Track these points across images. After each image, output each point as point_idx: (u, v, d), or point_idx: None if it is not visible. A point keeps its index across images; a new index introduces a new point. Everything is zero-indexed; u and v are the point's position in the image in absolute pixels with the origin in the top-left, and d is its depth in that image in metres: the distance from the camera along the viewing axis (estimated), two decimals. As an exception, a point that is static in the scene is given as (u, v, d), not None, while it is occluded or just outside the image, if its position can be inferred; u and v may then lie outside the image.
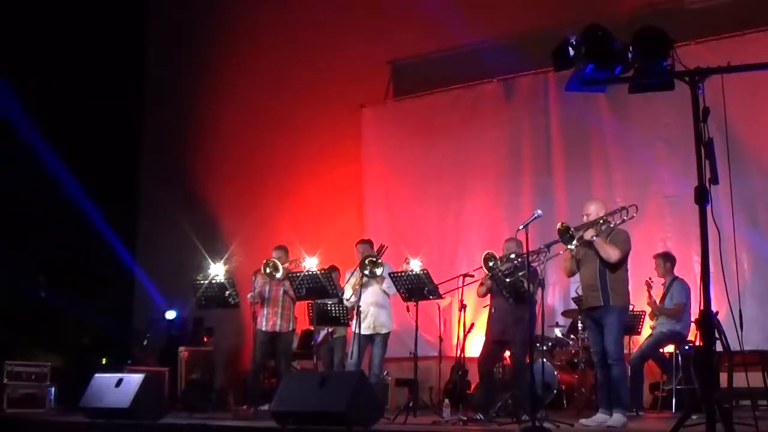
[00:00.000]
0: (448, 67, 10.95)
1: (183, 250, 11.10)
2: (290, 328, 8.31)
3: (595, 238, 6.24)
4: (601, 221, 6.35)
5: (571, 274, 6.79)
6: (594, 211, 6.45)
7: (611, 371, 6.21)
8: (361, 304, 7.53)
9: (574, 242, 6.26)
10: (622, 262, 6.29)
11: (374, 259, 7.44)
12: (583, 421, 6.29)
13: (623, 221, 6.36)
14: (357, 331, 7.51)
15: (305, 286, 7.57)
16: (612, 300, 6.21)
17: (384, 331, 7.81)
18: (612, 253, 6.19)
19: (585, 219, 6.44)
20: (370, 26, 11.41)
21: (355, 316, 7.52)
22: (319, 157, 11.56)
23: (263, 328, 8.14)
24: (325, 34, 11.67)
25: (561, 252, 6.55)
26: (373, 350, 7.83)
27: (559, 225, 6.30)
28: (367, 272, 7.43)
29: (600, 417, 6.25)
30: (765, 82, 8.18)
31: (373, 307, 7.76)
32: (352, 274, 7.74)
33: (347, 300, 7.79)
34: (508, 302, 6.98)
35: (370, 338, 7.80)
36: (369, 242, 8.05)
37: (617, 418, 6.11)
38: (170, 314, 11.30)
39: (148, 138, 13.27)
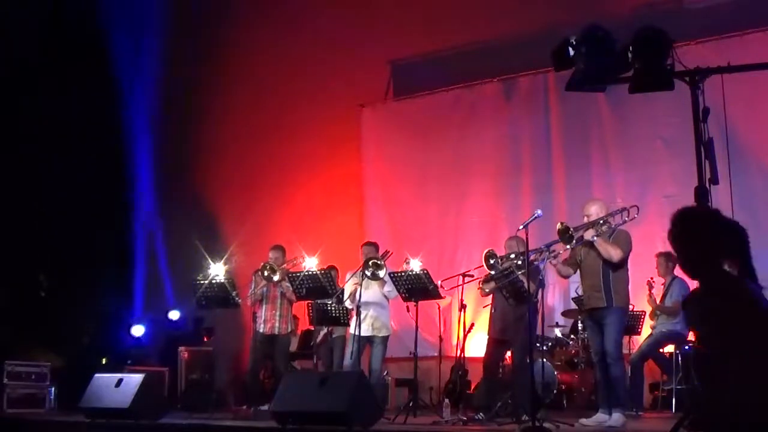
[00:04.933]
0: (448, 67, 10.95)
1: (183, 250, 11.09)
2: (289, 330, 8.29)
3: (595, 238, 6.24)
4: (602, 222, 6.35)
5: (566, 276, 6.79)
6: (595, 211, 6.44)
7: (610, 371, 6.21)
8: (360, 305, 7.52)
9: (573, 242, 6.26)
10: (624, 262, 6.29)
11: (377, 261, 7.43)
12: (582, 420, 6.29)
13: (624, 222, 6.36)
14: (356, 333, 7.50)
15: (305, 286, 7.56)
16: (615, 302, 6.22)
17: (383, 333, 7.79)
18: (614, 253, 6.19)
19: (586, 219, 6.44)
20: (370, 26, 11.41)
21: (354, 317, 7.51)
22: (319, 157, 11.55)
23: (261, 330, 8.13)
24: (326, 34, 11.67)
25: (562, 251, 6.55)
26: (373, 352, 7.81)
27: (559, 225, 6.30)
28: (369, 274, 7.41)
29: (600, 417, 6.25)
30: (765, 82, 8.18)
31: (372, 309, 7.74)
32: (353, 275, 7.72)
33: (345, 301, 7.78)
34: (508, 302, 6.97)
35: (369, 340, 7.78)
36: (375, 245, 8.04)
37: (616, 417, 6.11)
38: (174, 314, 11.30)
39: (147, 138, 13.26)
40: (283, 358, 8.29)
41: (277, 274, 7.84)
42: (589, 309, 6.41)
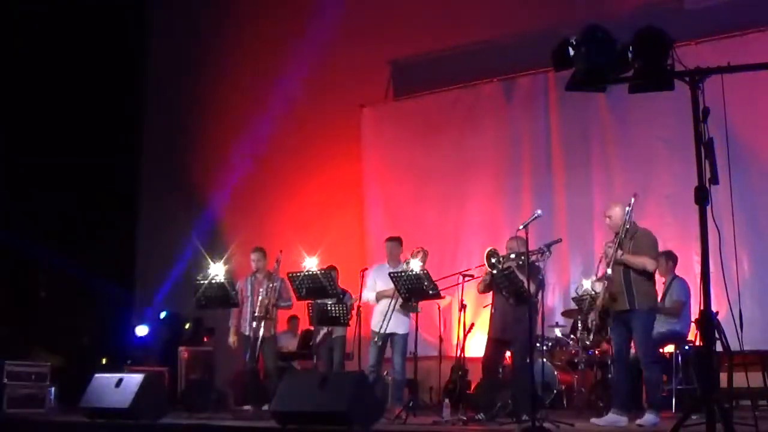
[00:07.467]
0: (448, 67, 10.95)
1: (181, 249, 11.10)
2: (271, 332, 8.26)
3: (623, 257, 6.25)
4: (624, 235, 6.34)
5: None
6: (617, 213, 6.46)
7: (644, 375, 6.24)
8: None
9: (610, 268, 6.30)
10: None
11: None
12: (594, 420, 6.29)
13: (631, 212, 6.35)
14: (379, 330, 7.53)
15: (305, 286, 7.56)
16: (638, 303, 6.22)
17: (402, 330, 7.74)
18: (647, 264, 6.22)
19: (607, 221, 6.51)
20: (370, 26, 11.42)
21: (374, 316, 7.52)
22: (319, 157, 11.56)
23: (246, 332, 8.14)
24: (326, 34, 11.67)
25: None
26: (394, 348, 7.75)
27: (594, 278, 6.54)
28: (412, 305, 7.48)
29: (611, 417, 6.24)
30: (765, 82, 8.17)
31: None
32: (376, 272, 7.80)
33: (367, 300, 7.84)
34: (509, 302, 6.97)
35: (390, 337, 7.74)
36: (398, 240, 8.05)
37: (649, 418, 6.13)
38: (161, 315, 11.34)
39: (148, 138, 13.28)
40: (272, 357, 8.29)
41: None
42: (616, 311, 6.41)
